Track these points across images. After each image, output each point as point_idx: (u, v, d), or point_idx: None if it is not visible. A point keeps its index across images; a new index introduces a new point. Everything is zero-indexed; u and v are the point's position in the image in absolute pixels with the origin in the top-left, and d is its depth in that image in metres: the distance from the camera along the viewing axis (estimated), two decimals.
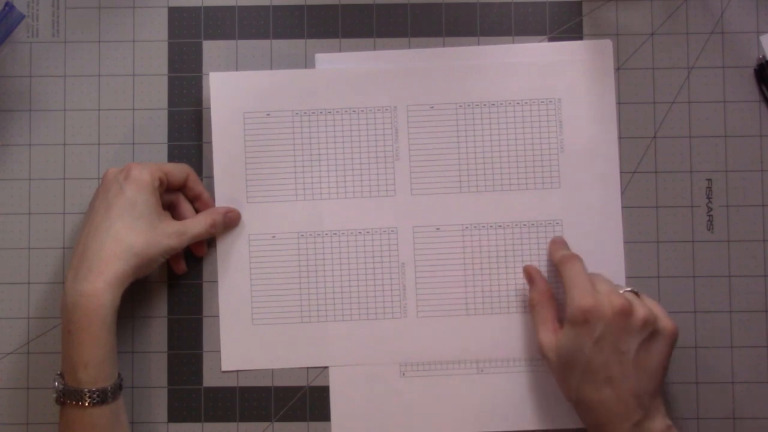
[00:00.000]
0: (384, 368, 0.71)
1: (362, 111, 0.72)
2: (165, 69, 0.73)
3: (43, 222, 0.72)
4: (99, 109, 0.73)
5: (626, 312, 0.62)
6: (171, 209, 0.71)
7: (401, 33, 0.74)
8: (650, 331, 0.63)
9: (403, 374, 0.71)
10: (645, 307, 0.63)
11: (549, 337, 0.66)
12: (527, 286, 0.70)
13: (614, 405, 0.62)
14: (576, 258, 0.67)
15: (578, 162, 0.72)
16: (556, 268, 0.68)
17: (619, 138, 0.73)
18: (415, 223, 0.72)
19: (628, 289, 0.65)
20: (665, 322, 0.64)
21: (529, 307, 0.69)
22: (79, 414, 0.62)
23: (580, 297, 0.63)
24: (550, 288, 0.69)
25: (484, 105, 0.72)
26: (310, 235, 0.72)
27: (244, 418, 0.71)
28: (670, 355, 0.64)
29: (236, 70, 0.73)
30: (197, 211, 0.71)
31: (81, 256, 0.64)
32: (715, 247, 0.72)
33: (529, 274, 0.70)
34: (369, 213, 0.72)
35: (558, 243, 0.71)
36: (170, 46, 0.73)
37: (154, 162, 0.72)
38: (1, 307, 0.72)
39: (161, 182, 0.67)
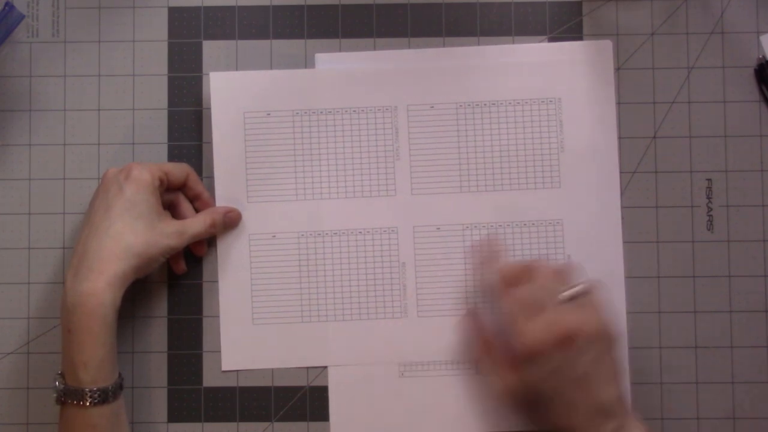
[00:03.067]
0: (383, 368, 0.71)
1: (362, 111, 0.72)
2: (165, 69, 0.73)
3: (43, 222, 0.72)
4: (99, 109, 0.73)
5: (571, 338, 0.61)
6: (171, 209, 0.71)
7: (401, 33, 0.74)
8: (599, 345, 0.62)
9: (402, 374, 0.71)
10: (588, 321, 0.62)
11: (502, 383, 0.65)
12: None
13: (585, 424, 0.62)
14: (507, 290, 0.65)
15: (578, 162, 0.72)
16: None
17: (619, 138, 0.73)
18: (416, 222, 0.72)
19: (576, 287, 0.63)
20: (609, 330, 0.63)
21: (475, 363, 0.69)
22: (79, 414, 0.62)
23: (520, 339, 0.62)
24: (487, 338, 0.69)
25: (484, 105, 0.72)
26: (310, 235, 0.72)
27: (244, 418, 0.71)
28: (619, 358, 0.64)
29: (236, 70, 0.73)
30: (197, 210, 0.71)
31: (81, 256, 0.64)
32: (715, 247, 0.72)
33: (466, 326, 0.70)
34: (369, 213, 0.72)
35: (486, 254, 0.69)
36: (170, 46, 0.73)
37: (153, 162, 0.71)
38: (1, 307, 0.72)
39: (161, 182, 0.67)
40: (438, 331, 0.71)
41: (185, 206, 0.70)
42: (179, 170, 0.69)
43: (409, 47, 0.73)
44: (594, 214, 0.72)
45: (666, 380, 0.72)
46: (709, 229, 0.73)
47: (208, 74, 0.73)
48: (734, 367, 0.72)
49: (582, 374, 0.62)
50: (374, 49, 0.73)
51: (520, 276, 0.65)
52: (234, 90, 0.72)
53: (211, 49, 0.73)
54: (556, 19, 0.74)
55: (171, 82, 0.73)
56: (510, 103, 0.72)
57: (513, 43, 0.73)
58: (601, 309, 0.64)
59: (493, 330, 0.69)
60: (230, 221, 0.71)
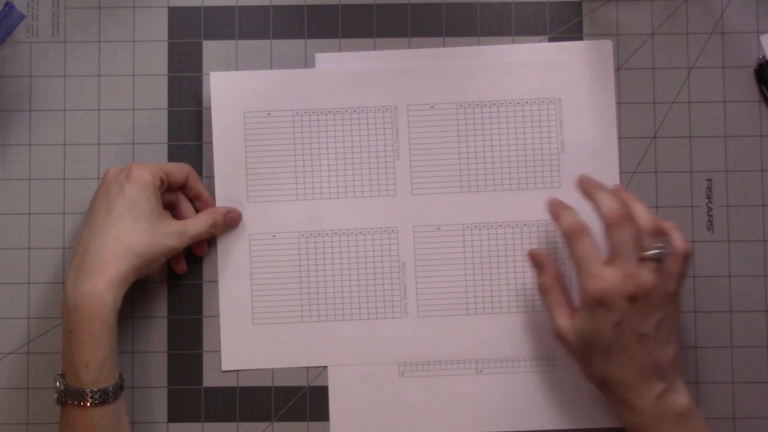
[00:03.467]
0: (383, 368, 0.71)
1: (362, 111, 0.72)
2: (165, 69, 0.73)
3: (43, 222, 0.72)
4: (99, 109, 0.73)
5: (642, 296, 0.61)
6: (171, 209, 0.71)
7: (401, 33, 0.74)
8: (667, 307, 0.62)
9: (402, 374, 0.71)
10: (663, 285, 0.62)
11: (565, 321, 0.65)
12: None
13: (637, 381, 0.62)
14: (584, 231, 0.63)
15: (578, 162, 0.72)
16: (562, 236, 0.65)
17: (619, 138, 0.73)
18: (416, 222, 0.72)
19: (656, 249, 0.62)
20: (679, 295, 0.63)
21: (540, 292, 0.68)
22: (80, 414, 0.62)
23: (593, 282, 0.62)
24: (558, 270, 0.68)
25: (485, 105, 0.72)
26: (310, 235, 0.72)
27: (244, 418, 0.71)
28: (679, 320, 0.64)
29: (236, 70, 0.73)
30: (197, 210, 0.71)
31: (82, 257, 0.64)
32: (715, 247, 0.72)
33: (536, 258, 0.69)
34: (369, 213, 0.72)
35: (558, 206, 0.66)
36: (170, 46, 0.73)
37: (154, 162, 0.71)
38: (1, 307, 0.72)
39: (162, 182, 0.67)
40: (438, 331, 0.71)
41: (185, 206, 0.70)
42: (180, 170, 0.69)
43: (409, 47, 0.73)
44: (594, 214, 0.72)
45: None
46: (709, 229, 0.73)
47: (208, 74, 0.73)
48: (734, 367, 0.72)
49: (646, 333, 0.62)
50: (374, 49, 0.73)
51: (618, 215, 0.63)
52: (234, 90, 0.72)
53: (211, 49, 0.73)
54: (556, 19, 0.74)
55: (171, 82, 0.73)
56: (510, 103, 0.72)
57: (513, 43, 0.73)
58: (679, 275, 0.63)
59: (560, 271, 0.68)
60: (231, 221, 0.71)
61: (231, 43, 0.73)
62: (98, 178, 0.73)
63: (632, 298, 0.61)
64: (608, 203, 0.63)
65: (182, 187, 0.70)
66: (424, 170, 0.72)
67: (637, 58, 0.73)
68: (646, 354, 0.62)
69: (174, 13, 0.74)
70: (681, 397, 0.63)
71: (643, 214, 0.63)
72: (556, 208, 0.66)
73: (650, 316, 0.62)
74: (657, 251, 0.62)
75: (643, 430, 0.62)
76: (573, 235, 0.64)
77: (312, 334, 0.71)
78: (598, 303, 0.61)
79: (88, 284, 0.63)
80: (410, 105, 0.72)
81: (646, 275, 0.61)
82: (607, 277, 0.61)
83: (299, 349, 0.71)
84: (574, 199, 0.72)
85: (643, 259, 0.62)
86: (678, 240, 0.64)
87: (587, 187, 0.65)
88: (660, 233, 0.63)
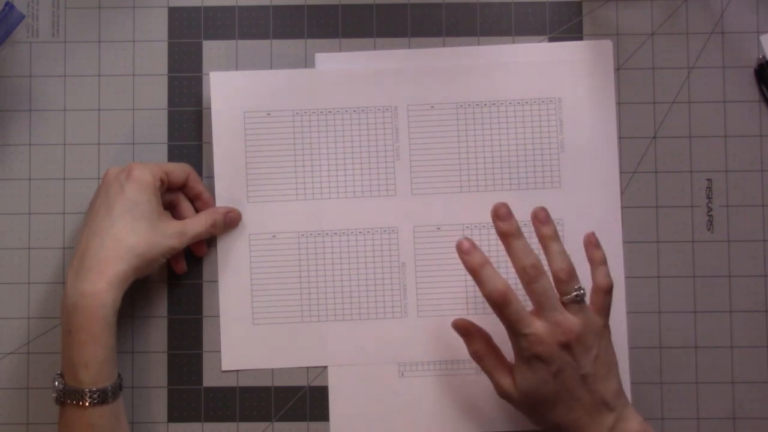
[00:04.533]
0: (382, 368, 0.71)
1: (362, 111, 0.72)
2: (165, 69, 0.73)
3: (43, 222, 0.72)
4: (99, 109, 0.73)
5: (575, 341, 0.61)
6: (171, 209, 0.71)
7: (401, 33, 0.74)
8: (600, 342, 0.63)
9: (402, 374, 0.71)
10: (591, 322, 0.62)
11: (506, 381, 0.64)
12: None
13: (587, 419, 0.62)
14: (507, 297, 0.61)
15: (578, 162, 0.72)
16: (486, 300, 0.63)
17: (619, 138, 0.73)
18: (416, 222, 0.72)
19: (574, 292, 0.62)
20: (607, 327, 0.64)
21: (474, 359, 0.67)
22: (79, 414, 0.62)
23: (526, 341, 0.61)
24: (487, 334, 0.67)
25: (485, 105, 0.72)
26: (310, 234, 0.72)
27: (244, 418, 0.71)
28: (613, 349, 0.64)
29: (236, 70, 0.73)
30: (197, 210, 0.71)
31: (82, 257, 0.64)
32: (715, 247, 0.72)
33: (463, 328, 0.67)
34: (369, 213, 0.72)
35: (474, 260, 0.63)
36: (170, 46, 0.73)
37: (154, 162, 0.71)
38: (1, 307, 0.72)
39: (162, 182, 0.67)
40: (438, 331, 0.71)
41: (185, 206, 0.70)
42: (180, 170, 0.69)
43: (409, 47, 0.73)
44: (594, 214, 0.72)
45: (666, 380, 0.72)
46: (709, 229, 0.73)
47: (208, 74, 0.73)
48: (734, 367, 0.72)
49: (586, 373, 0.62)
50: (374, 49, 0.73)
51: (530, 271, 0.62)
52: (234, 90, 0.72)
53: (211, 49, 0.73)
54: (556, 19, 0.74)
55: (171, 82, 0.73)
56: (510, 103, 0.72)
57: (513, 43, 0.73)
58: (604, 309, 0.64)
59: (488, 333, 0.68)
60: (230, 221, 0.71)
61: (231, 43, 0.73)
62: (98, 178, 0.73)
63: (566, 346, 0.61)
64: (522, 259, 0.62)
65: (182, 187, 0.70)
66: (424, 170, 0.72)
67: (637, 58, 0.73)
68: (591, 392, 0.62)
69: (174, 13, 0.74)
70: (632, 425, 0.63)
71: (557, 258, 0.63)
72: (474, 265, 0.63)
73: (587, 357, 0.62)
74: (576, 294, 0.62)
75: None
76: (498, 304, 0.62)
77: (312, 334, 0.71)
78: (534, 358, 0.62)
79: (88, 284, 0.63)
80: (410, 105, 0.72)
81: (573, 320, 0.62)
82: (539, 333, 0.61)
83: (299, 349, 0.71)
84: (574, 199, 0.72)
85: (565, 304, 0.62)
86: (601, 276, 0.64)
87: (502, 233, 0.63)
88: (574, 274, 0.63)
